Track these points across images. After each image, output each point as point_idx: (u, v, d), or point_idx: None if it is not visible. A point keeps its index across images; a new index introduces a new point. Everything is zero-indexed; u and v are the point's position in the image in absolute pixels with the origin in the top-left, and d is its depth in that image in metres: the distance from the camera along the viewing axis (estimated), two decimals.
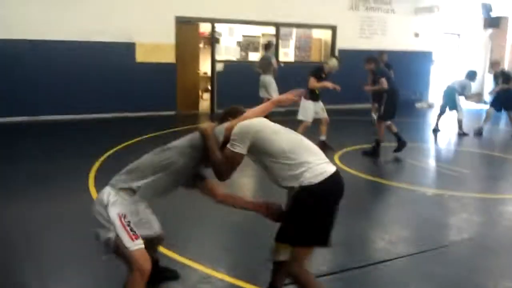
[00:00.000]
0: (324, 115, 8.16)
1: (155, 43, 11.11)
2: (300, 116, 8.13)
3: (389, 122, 8.05)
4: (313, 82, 7.91)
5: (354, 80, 10.03)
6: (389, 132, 8.06)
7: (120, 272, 3.07)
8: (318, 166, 2.75)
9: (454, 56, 16.08)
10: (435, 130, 10.47)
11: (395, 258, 4.14)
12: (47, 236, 4.35)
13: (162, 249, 4.06)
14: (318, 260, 3.83)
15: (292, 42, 13.15)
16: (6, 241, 4.25)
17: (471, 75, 10.41)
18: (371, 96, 10.12)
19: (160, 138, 8.91)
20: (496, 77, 10.76)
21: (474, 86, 10.80)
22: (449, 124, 10.94)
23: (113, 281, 3.32)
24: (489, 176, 7.40)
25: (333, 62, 8.13)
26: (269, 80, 10.56)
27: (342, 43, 13.56)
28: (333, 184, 2.76)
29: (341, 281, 3.74)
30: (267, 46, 11.05)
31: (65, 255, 3.98)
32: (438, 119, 10.52)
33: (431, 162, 8.31)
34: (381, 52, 10.47)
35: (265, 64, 10.68)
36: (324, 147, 7.76)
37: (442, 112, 10.51)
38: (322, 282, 3.46)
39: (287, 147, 2.77)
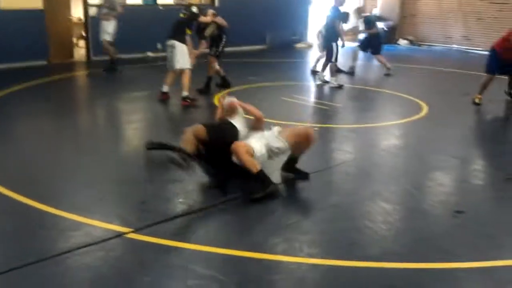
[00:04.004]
0: None
1: None
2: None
3: None
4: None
5: None
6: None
7: None
8: None
9: None
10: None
11: None
12: None
13: (34, 203, 3.98)
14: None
15: None
16: None
17: (342, 17, 10.72)
18: None
19: (30, 90, 8.42)
20: (364, 22, 11.20)
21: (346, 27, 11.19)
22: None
23: None
24: (359, 108, 8.01)
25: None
26: None
27: None
28: None
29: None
30: None
31: None
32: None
33: (306, 99, 8.70)
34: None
35: None
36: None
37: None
38: None
39: None
